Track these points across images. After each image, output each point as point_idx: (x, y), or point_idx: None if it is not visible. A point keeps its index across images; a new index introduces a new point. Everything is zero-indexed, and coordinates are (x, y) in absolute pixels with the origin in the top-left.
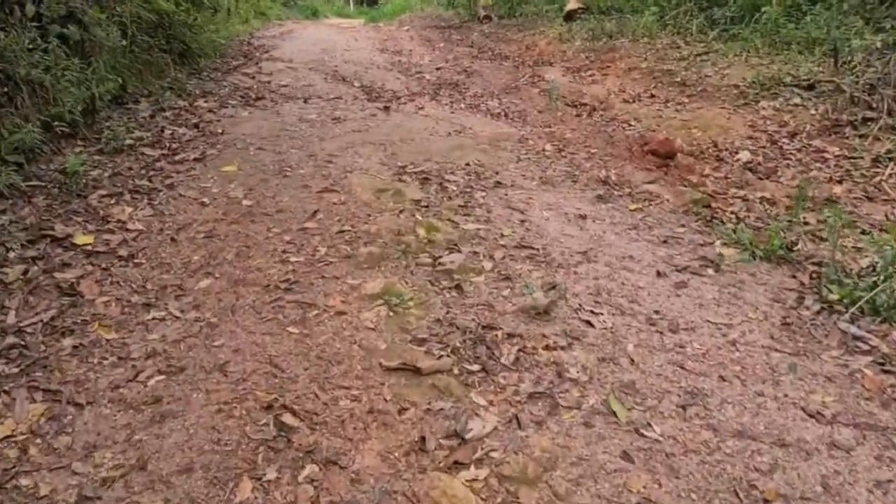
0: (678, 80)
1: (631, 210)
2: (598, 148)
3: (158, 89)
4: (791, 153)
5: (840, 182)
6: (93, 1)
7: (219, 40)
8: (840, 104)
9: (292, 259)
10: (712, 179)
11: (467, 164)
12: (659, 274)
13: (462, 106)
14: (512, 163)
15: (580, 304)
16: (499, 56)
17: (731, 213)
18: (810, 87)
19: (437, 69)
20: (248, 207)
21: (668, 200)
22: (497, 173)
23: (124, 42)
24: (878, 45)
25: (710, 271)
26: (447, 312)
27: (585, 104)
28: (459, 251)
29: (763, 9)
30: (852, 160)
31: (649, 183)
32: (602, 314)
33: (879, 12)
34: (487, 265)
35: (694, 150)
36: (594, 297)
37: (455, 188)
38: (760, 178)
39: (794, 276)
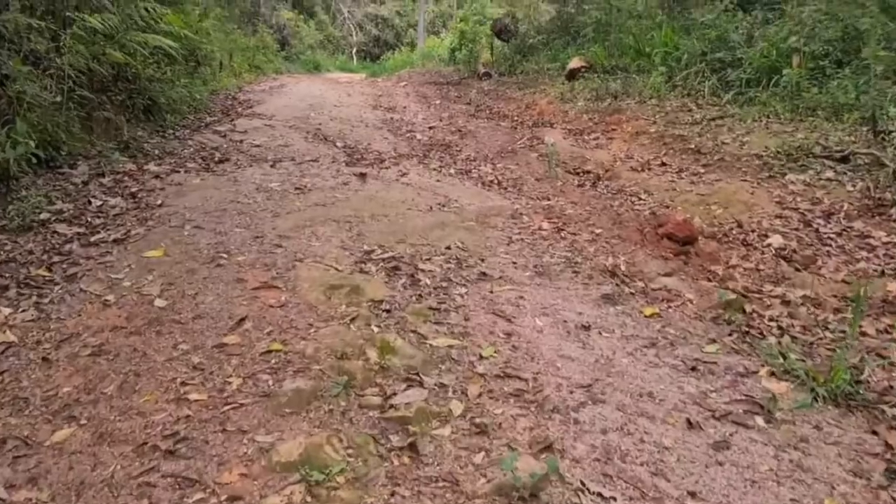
0: (692, 146)
1: (646, 316)
2: (603, 227)
3: (107, 150)
4: (830, 238)
5: (895, 276)
6: (14, 52)
7: (196, 95)
8: (882, 181)
9: (191, 397)
10: (741, 271)
11: (448, 248)
12: (691, 424)
13: (451, 171)
14: (502, 245)
15: (582, 482)
16: (496, 115)
17: (771, 320)
18: (844, 160)
19: (430, 128)
20: (160, 311)
21: (691, 301)
22: (483, 260)
23: (59, 98)
24: None
25: (760, 421)
26: (392, 495)
27: (589, 171)
28: (421, 384)
29: (783, 71)
30: None
31: (666, 275)
32: (615, 499)
33: None
34: (457, 408)
35: (716, 232)
36: (602, 467)
37: (429, 282)
38: (798, 269)
39: (874, 431)
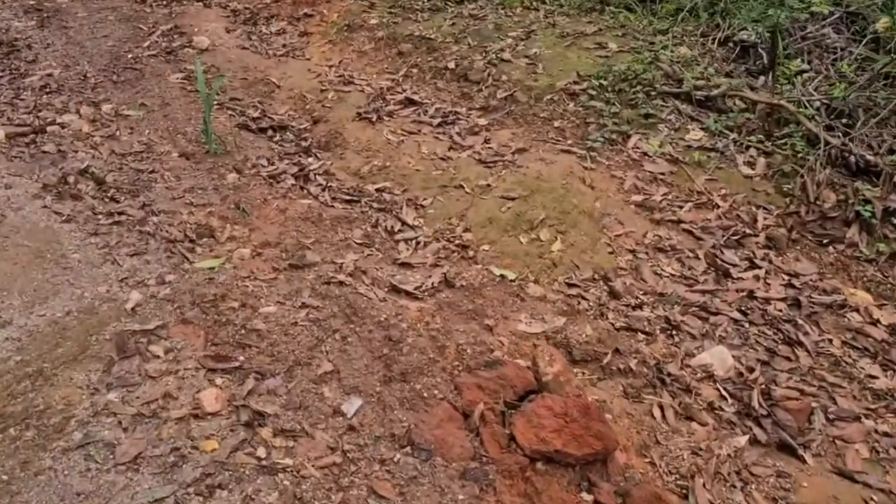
0: (450, 65)
1: None
2: (369, 393)
3: None
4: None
5: None
6: None
7: None
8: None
9: None
10: None
11: None
12: None
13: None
14: None
15: None
16: None
17: None
18: (708, 103)
19: None
20: None
21: None
22: None
23: None
24: None
25: None
26: None
27: (283, 125)
28: None
29: None
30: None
31: None
32: None
33: None
34: None
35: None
36: None
37: None
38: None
39: None
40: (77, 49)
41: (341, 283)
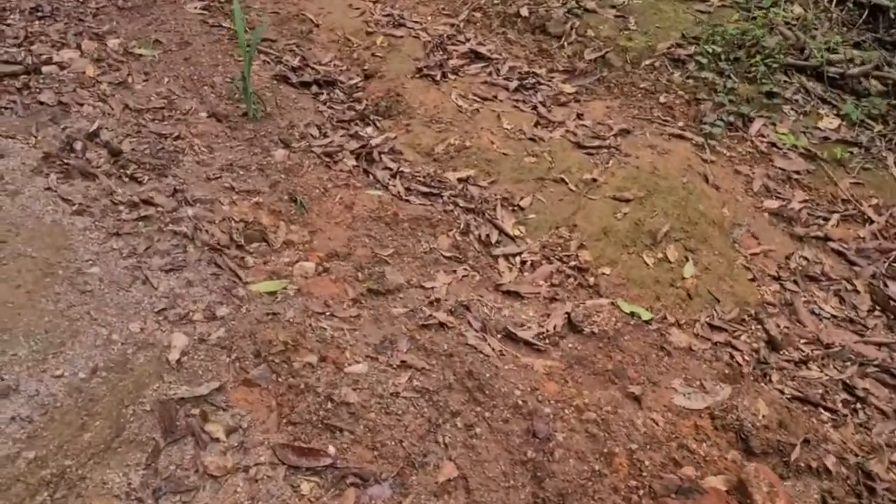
0: (519, 10)
1: None
2: None
3: None
4: None
5: None
6: None
7: None
8: None
9: None
10: None
11: None
12: None
13: None
14: None
15: None
16: None
17: None
18: (854, 92)
19: None
20: None
21: None
22: None
23: None
24: None
25: None
26: None
27: (329, 79)
28: None
29: None
30: None
31: None
32: None
33: None
34: None
35: None
36: None
37: None
38: None
39: None
40: None
41: (442, 325)
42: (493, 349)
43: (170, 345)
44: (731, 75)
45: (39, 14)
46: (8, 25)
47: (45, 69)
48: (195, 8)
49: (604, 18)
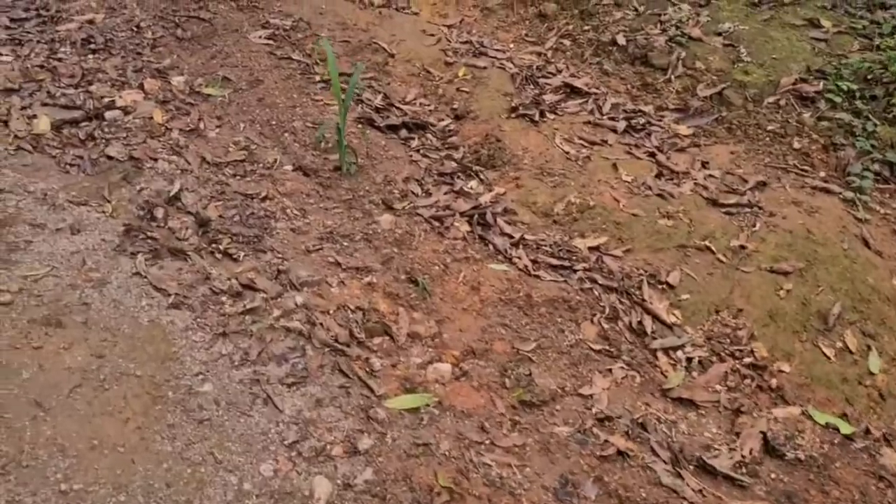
0: (605, 37)
1: None
2: None
3: None
4: None
5: None
6: None
7: None
8: None
9: None
10: None
11: None
12: None
13: None
14: None
15: None
16: None
17: None
18: None
19: None
20: None
21: None
22: None
23: None
24: None
25: None
26: None
27: (424, 125)
28: None
29: None
30: None
31: None
32: None
33: None
34: None
35: None
36: None
37: None
38: None
39: None
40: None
41: (623, 455)
42: (692, 489)
43: (312, 494)
44: (869, 115)
45: (92, 46)
46: (60, 61)
47: (107, 115)
48: (260, 37)
49: (712, 48)
